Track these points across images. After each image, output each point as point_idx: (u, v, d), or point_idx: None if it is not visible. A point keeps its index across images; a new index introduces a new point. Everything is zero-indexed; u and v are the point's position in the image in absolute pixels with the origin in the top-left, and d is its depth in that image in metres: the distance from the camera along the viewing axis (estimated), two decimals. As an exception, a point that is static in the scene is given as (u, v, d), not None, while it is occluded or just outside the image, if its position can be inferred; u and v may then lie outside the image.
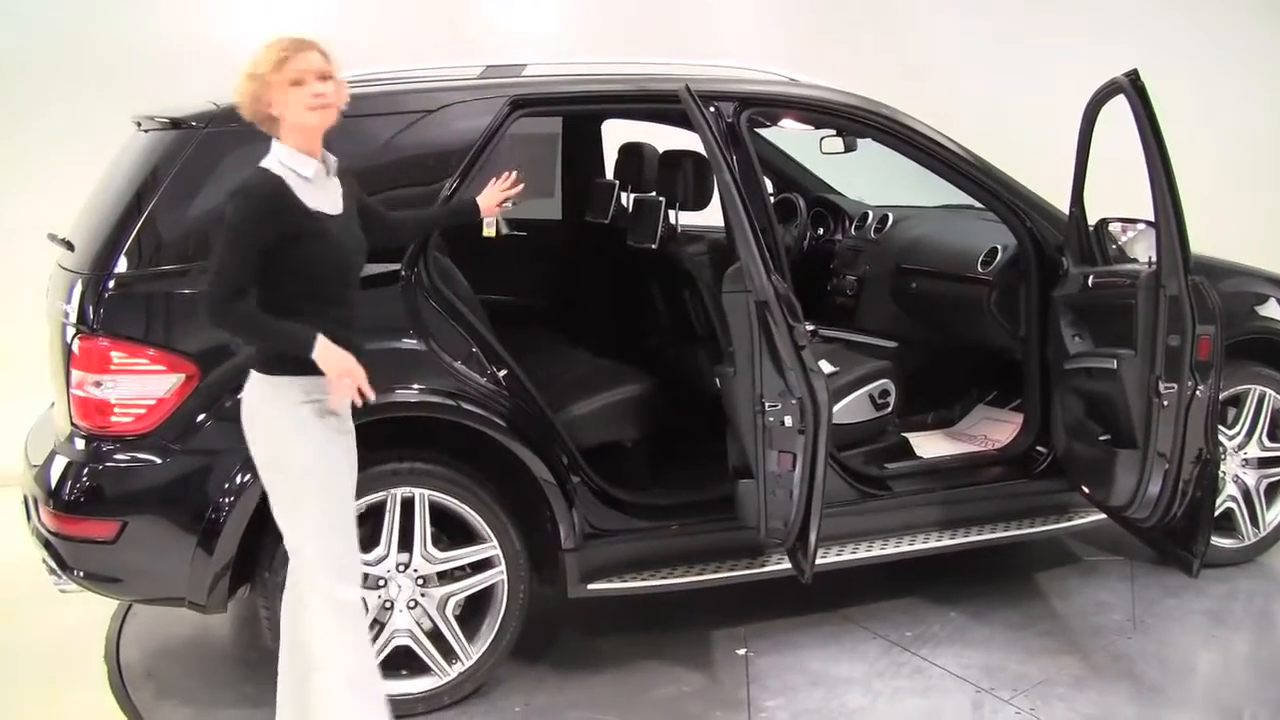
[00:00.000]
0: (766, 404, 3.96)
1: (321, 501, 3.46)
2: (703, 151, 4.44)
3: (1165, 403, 4.18)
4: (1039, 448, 4.94)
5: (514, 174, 4.15)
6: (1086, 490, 4.69)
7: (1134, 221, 4.80)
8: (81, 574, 4.03)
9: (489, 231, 4.15)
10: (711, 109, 4.37)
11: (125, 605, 5.05)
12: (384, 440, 4.03)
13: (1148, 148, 4.14)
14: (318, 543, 3.47)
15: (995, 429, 5.28)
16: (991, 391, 5.59)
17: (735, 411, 4.13)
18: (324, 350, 3.29)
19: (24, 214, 6.37)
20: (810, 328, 4.03)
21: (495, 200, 4.13)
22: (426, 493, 4.09)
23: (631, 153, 5.40)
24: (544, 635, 4.64)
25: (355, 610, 3.54)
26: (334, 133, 4.18)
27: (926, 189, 5.60)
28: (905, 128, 4.78)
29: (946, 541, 4.78)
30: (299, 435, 3.42)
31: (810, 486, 3.98)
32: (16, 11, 6.83)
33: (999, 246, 5.12)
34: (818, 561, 4.34)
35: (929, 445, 5.23)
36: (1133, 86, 4.16)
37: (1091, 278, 4.57)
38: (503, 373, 4.20)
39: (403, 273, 4.12)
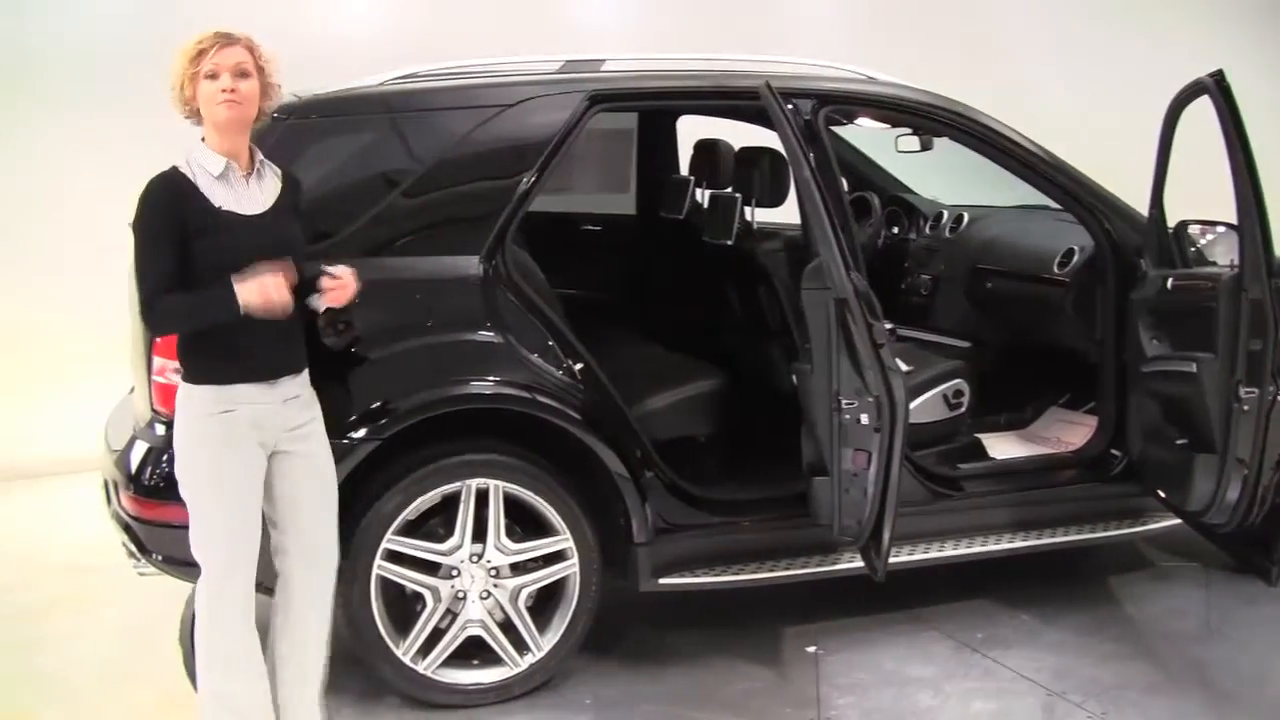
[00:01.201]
0: (843, 401, 3.95)
1: (209, 515, 3.49)
2: (778, 148, 4.46)
3: (1245, 407, 4.13)
4: (1114, 451, 4.88)
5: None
6: (1162, 494, 4.63)
7: (1213, 224, 4.74)
8: (160, 558, 4.08)
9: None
10: (790, 106, 4.36)
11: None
12: (459, 431, 4.10)
13: (1231, 149, 4.08)
14: (203, 553, 3.51)
15: (1069, 431, 5.23)
16: (1065, 394, 5.54)
17: (811, 408, 4.13)
18: (240, 288, 3.27)
19: (84, 206, 6.53)
20: (889, 326, 4.01)
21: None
22: (501, 484, 4.11)
23: (707, 149, 5.40)
24: (614, 629, 4.64)
25: (227, 627, 3.54)
26: (411, 127, 4.30)
27: (999, 189, 5.60)
28: (983, 127, 4.74)
29: (1019, 544, 4.74)
30: (201, 446, 3.46)
31: (885, 485, 3.97)
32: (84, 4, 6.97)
33: (1076, 248, 5.08)
34: (890, 561, 4.36)
35: (1002, 446, 5.20)
36: (1217, 87, 4.11)
37: (1171, 280, 4.50)
38: (578, 366, 4.22)
39: (480, 265, 4.16)
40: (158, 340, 3.98)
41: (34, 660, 4.70)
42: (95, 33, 6.97)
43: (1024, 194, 5.42)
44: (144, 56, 6.70)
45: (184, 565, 4.09)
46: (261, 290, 3.29)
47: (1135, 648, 4.61)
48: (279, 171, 3.57)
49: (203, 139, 3.44)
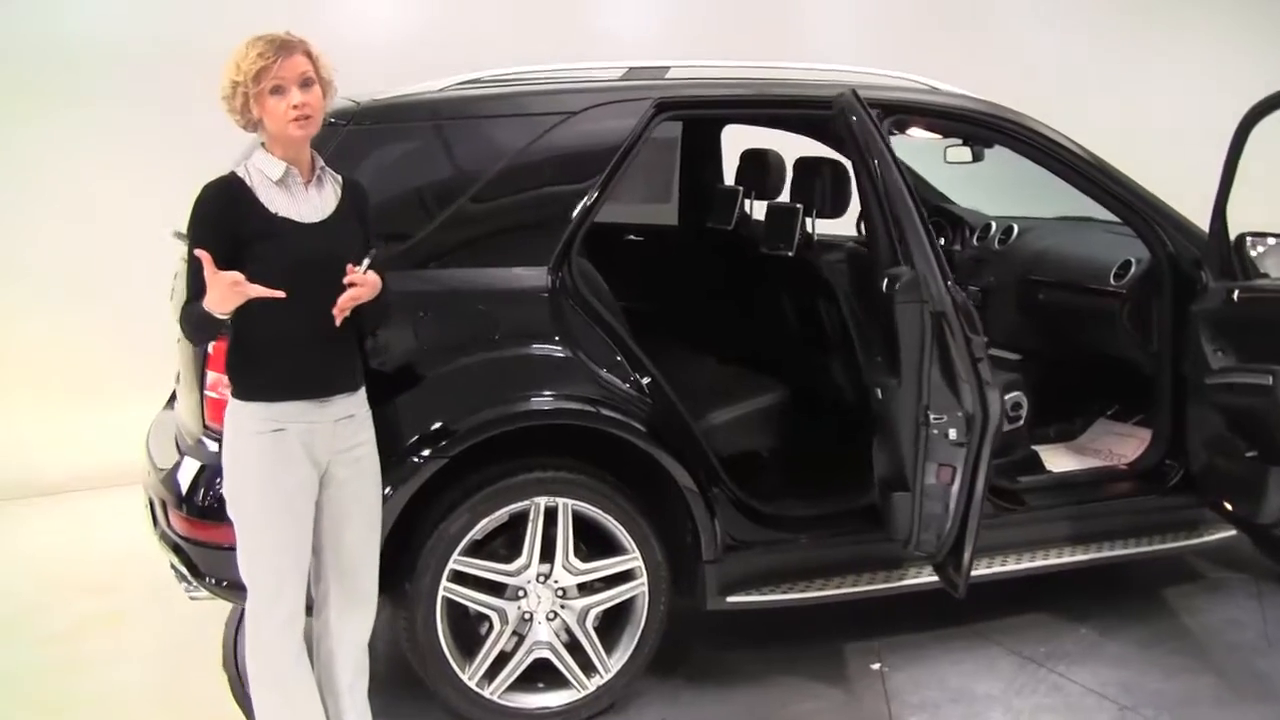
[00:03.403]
0: (931, 416, 3.88)
1: (257, 534, 3.40)
2: (836, 157, 4.39)
3: None
4: (1169, 463, 4.85)
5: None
6: (1229, 506, 4.58)
7: (1264, 236, 4.70)
8: (213, 581, 3.96)
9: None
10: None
11: (238, 612, 4.99)
12: (526, 448, 3.99)
13: None
14: (249, 574, 3.43)
15: (1120, 444, 5.19)
16: (1112, 405, 5.51)
17: (896, 422, 4.03)
18: (209, 297, 3.11)
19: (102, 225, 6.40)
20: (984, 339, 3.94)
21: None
22: (570, 502, 4.01)
23: (756, 159, 5.33)
24: (675, 649, 4.53)
25: (276, 650, 3.46)
26: (477, 133, 4.19)
27: (1029, 200, 5.58)
28: (1046, 139, 4.69)
29: (1080, 557, 4.70)
30: (250, 465, 3.35)
31: (969, 500, 3.92)
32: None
33: (1133, 259, 5.04)
34: (930, 579, 4.39)
35: (1054, 459, 5.16)
36: None
37: (1237, 293, 4.47)
38: (645, 380, 4.12)
39: (548, 276, 4.06)
40: (211, 354, 3.87)
41: (70, 683, 4.56)
42: (125, 33, 6.77)
43: (1062, 207, 5.40)
44: (175, 61, 6.68)
45: (239, 589, 3.98)
46: (227, 295, 3.10)
47: (1198, 660, 4.59)
48: (339, 179, 3.44)
49: (263, 144, 3.32)
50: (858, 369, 4.55)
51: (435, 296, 3.99)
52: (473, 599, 4.00)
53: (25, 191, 6.59)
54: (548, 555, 4.04)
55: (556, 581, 4.06)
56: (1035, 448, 5.16)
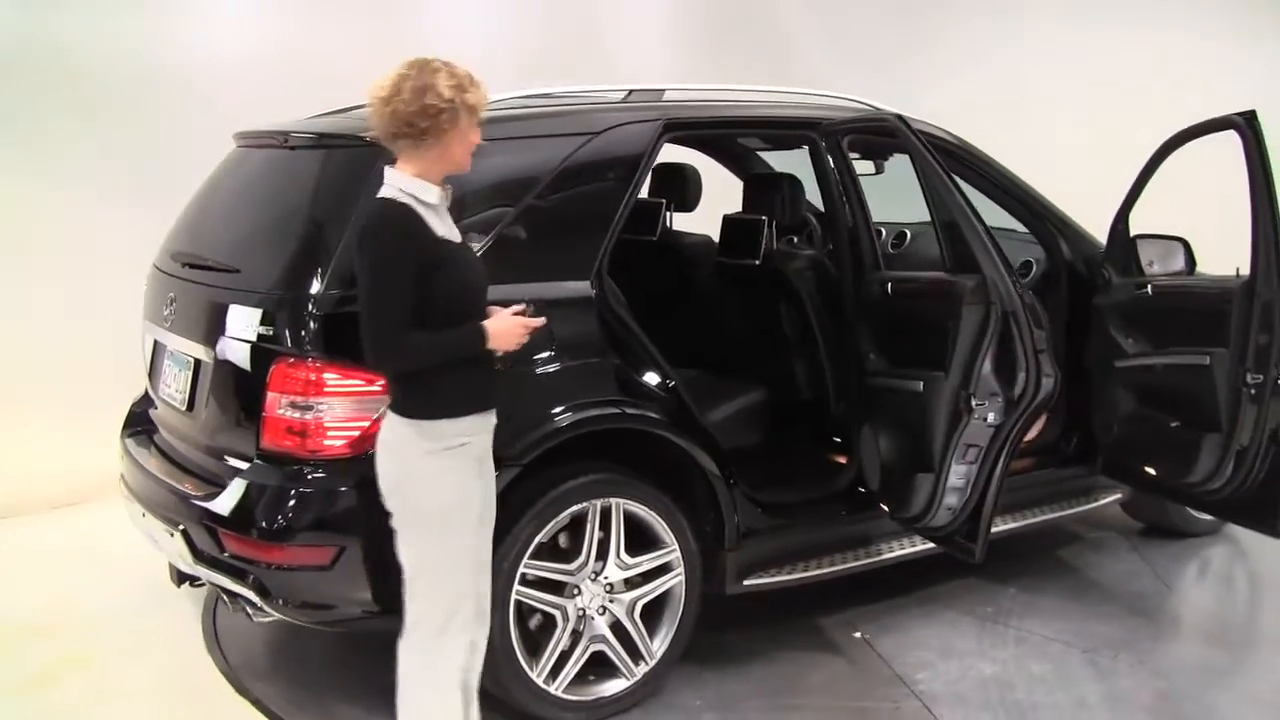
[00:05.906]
0: (974, 403, 4.28)
1: (444, 548, 3.44)
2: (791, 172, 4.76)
3: (1253, 391, 4.68)
4: (1067, 439, 5.49)
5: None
6: (1152, 471, 5.16)
7: (1163, 238, 5.27)
8: (285, 602, 3.96)
9: None
10: (844, 137, 4.74)
11: (212, 631, 4.96)
12: (581, 452, 4.19)
13: (1254, 181, 4.58)
14: (430, 586, 3.44)
15: (1011, 425, 5.78)
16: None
17: (931, 410, 4.41)
18: (493, 333, 3.34)
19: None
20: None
21: None
22: (623, 502, 4.25)
23: (674, 173, 5.65)
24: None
25: (448, 656, 3.50)
26: (508, 153, 4.33)
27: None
28: (973, 156, 5.29)
29: (1010, 525, 5.25)
30: (440, 479, 3.39)
31: (992, 473, 4.36)
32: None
33: (1033, 260, 5.65)
34: (902, 552, 4.90)
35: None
36: (1249, 125, 4.60)
37: (1150, 286, 5.11)
38: (671, 382, 4.39)
39: (591, 288, 4.27)
40: (272, 377, 3.88)
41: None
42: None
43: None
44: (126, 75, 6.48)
45: (314, 608, 4.04)
46: (514, 337, 3.39)
47: (1120, 607, 5.22)
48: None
49: (400, 168, 3.33)
50: (822, 367, 4.99)
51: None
52: (540, 600, 4.16)
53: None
54: (600, 553, 4.25)
55: (606, 577, 4.27)
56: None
